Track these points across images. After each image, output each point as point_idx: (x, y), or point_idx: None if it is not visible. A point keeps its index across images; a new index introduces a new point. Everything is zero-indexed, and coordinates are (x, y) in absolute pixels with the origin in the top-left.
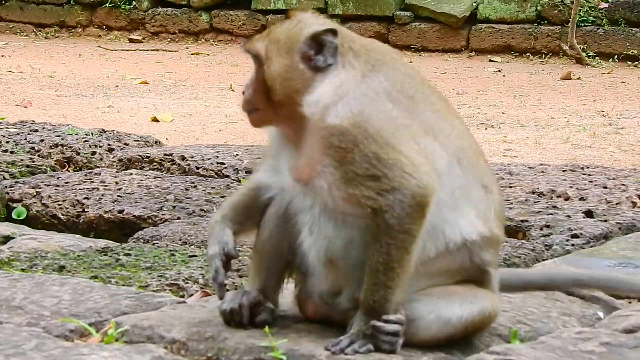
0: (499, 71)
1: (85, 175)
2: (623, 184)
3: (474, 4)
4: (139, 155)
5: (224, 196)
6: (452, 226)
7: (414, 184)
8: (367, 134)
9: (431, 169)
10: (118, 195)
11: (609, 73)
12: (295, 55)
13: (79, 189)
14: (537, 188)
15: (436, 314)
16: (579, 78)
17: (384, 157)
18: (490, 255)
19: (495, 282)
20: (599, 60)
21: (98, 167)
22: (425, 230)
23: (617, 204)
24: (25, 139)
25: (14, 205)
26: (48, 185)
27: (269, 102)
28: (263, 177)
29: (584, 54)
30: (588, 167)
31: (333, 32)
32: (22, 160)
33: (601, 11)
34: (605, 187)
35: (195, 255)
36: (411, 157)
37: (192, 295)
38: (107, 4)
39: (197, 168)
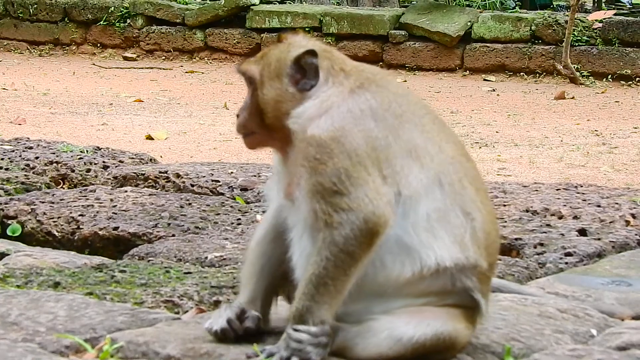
0: (493, 90)
1: (80, 192)
2: (616, 203)
3: (469, 24)
4: (134, 173)
5: (218, 214)
6: (427, 249)
7: (370, 210)
8: (344, 148)
9: (391, 201)
10: (113, 213)
11: (602, 92)
12: (284, 79)
13: (74, 206)
14: (531, 206)
15: (388, 333)
16: (572, 97)
17: (354, 175)
18: (472, 282)
19: (482, 315)
20: (593, 80)
21: (93, 184)
22: (402, 247)
23: (610, 222)
24: (20, 156)
25: (9, 222)
26: (43, 202)
27: (263, 125)
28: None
29: (577, 73)
30: (582, 186)
31: (312, 52)
32: (16, 177)
33: (595, 31)
34: (599, 206)
35: (190, 272)
36: (377, 183)
37: (187, 312)
38: (101, 22)
39: (192, 185)
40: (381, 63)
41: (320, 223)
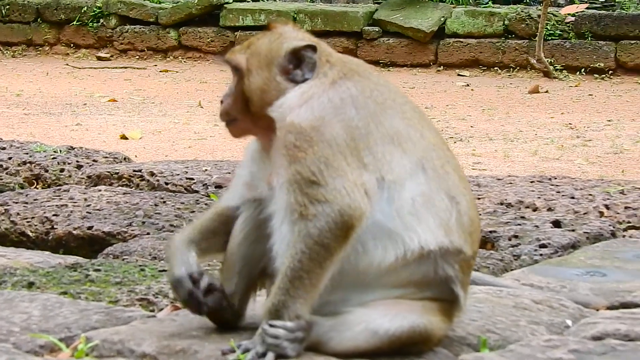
0: (467, 85)
1: (54, 192)
2: (590, 194)
3: (442, 19)
4: (108, 172)
5: (193, 211)
6: (410, 232)
7: (346, 202)
8: (324, 137)
9: (369, 191)
10: (87, 212)
11: (576, 86)
12: (274, 69)
13: (48, 206)
14: (506, 199)
15: (365, 325)
16: (546, 91)
17: (334, 165)
18: (454, 270)
19: (461, 309)
20: (567, 74)
21: (67, 184)
22: (385, 232)
23: (584, 214)
24: None
25: None
26: (16, 203)
27: (247, 113)
28: (231, 199)
29: (551, 67)
30: (556, 178)
31: (313, 48)
32: None
33: (568, 25)
34: (573, 198)
35: (165, 270)
36: (355, 174)
37: (162, 309)
38: (74, 22)
39: (166, 184)
40: (354, 58)
41: (296, 215)
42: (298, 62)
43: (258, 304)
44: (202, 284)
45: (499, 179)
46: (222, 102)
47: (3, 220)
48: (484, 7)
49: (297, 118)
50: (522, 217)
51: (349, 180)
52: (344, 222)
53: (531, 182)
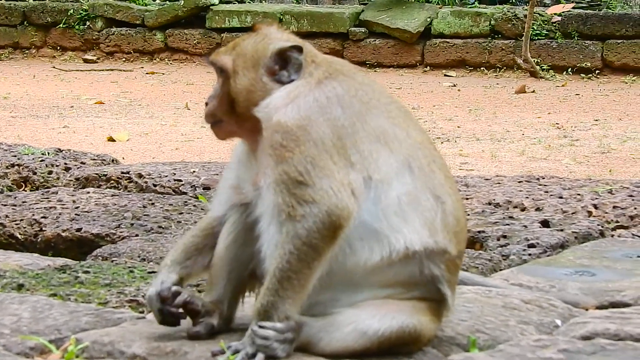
0: (454, 85)
1: (42, 194)
2: (578, 194)
3: (428, 19)
4: (96, 174)
5: (181, 213)
6: (396, 232)
7: (333, 202)
8: (310, 137)
9: (356, 190)
10: (76, 214)
11: (563, 86)
12: (260, 69)
13: (37, 208)
14: (494, 199)
15: (354, 326)
16: (533, 91)
17: (320, 164)
18: (439, 270)
19: (448, 308)
20: (553, 73)
21: (55, 186)
22: (371, 232)
23: (572, 213)
24: None
25: None
26: (5, 205)
27: (233, 114)
28: (217, 209)
29: (538, 67)
30: (544, 178)
31: (298, 49)
32: None
33: (554, 24)
34: (561, 197)
35: (155, 272)
36: (342, 174)
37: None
38: (61, 25)
39: (155, 185)
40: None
41: (283, 215)
42: (284, 63)
43: (247, 306)
44: (177, 300)
45: (486, 179)
46: (207, 103)
47: None
48: (470, 7)
49: (283, 117)
50: (511, 217)
51: (336, 180)
52: (332, 222)
53: (519, 182)
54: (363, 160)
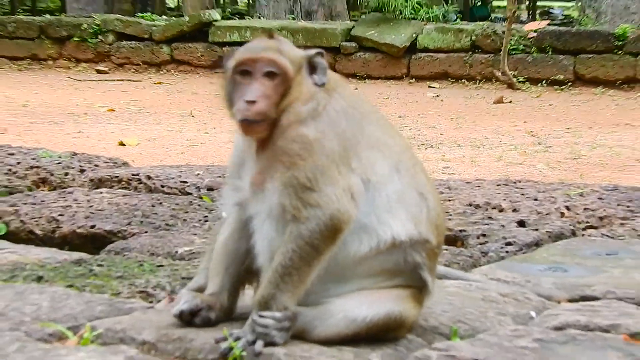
0: (437, 96)
1: (59, 194)
2: (552, 197)
3: (414, 35)
4: (109, 176)
5: (187, 212)
6: (384, 225)
7: (335, 207)
8: (323, 149)
9: (356, 194)
10: (90, 212)
11: (537, 97)
12: (303, 73)
13: (54, 207)
14: (474, 201)
15: (344, 314)
16: (510, 102)
17: (328, 173)
18: (421, 257)
19: (429, 293)
20: (529, 85)
21: (71, 186)
22: (361, 226)
23: (546, 214)
24: (3, 161)
25: None
26: (25, 204)
27: (273, 115)
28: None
29: (514, 79)
30: (520, 182)
31: (322, 54)
32: (0, 181)
33: (530, 40)
34: (536, 199)
35: (162, 265)
36: (344, 182)
37: (160, 301)
38: (75, 38)
39: (162, 186)
40: (334, 73)
41: (288, 216)
42: (313, 68)
43: (247, 297)
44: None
45: (467, 182)
46: (252, 102)
47: (13, 219)
48: (453, 24)
49: (307, 130)
50: (490, 218)
51: (340, 188)
52: (334, 225)
53: (497, 185)
54: (363, 165)
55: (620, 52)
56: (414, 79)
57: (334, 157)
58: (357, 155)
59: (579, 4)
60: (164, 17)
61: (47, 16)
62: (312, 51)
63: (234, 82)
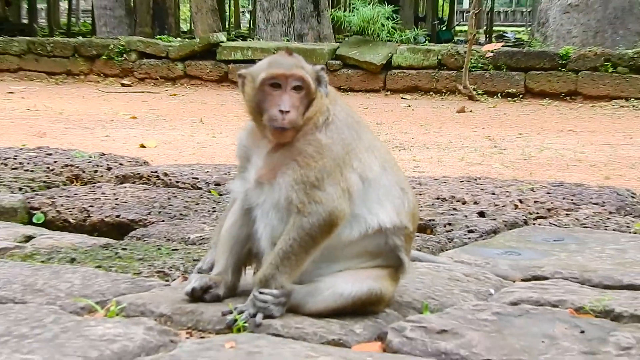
0: (409, 106)
1: (89, 188)
2: (507, 191)
3: (389, 54)
4: (132, 173)
5: (198, 204)
6: (373, 215)
7: (334, 205)
8: (332, 154)
9: (353, 193)
10: (115, 204)
11: (494, 107)
12: (317, 86)
13: (85, 199)
14: (441, 195)
15: (332, 290)
16: (471, 111)
17: (332, 174)
18: (400, 241)
19: (405, 271)
20: (486, 97)
21: (99, 182)
22: (354, 216)
23: (503, 206)
24: (42, 161)
25: (34, 212)
26: (60, 197)
27: (301, 122)
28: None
29: (474, 92)
30: (480, 179)
31: (324, 69)
32: (40, 177)
33: (488, 59)
34: (494, 194)
35: (177, 249)
36: (343, 183)
37: (175, 279)
38: (103, 57)
39: (177, 182)
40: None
41: (294, 209)
42: (319, 81)
43: (248, 276)
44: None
45: (435, 179)
46: (286, 111)
47: (50, 210)
48: (422, 45)
49: (323, 136)
50: (454, 209)
51: (340, 189)
52: (331, 220)
53: (461, 181)
54: (362, 165)
55: (563, 69)
56: (389, 92)
57: (339, 161)
58: (357, 157)
59: (529, 28)
60: (178, 39)
61: (80, 38)
62: (318, 67)
63: (264, 92)
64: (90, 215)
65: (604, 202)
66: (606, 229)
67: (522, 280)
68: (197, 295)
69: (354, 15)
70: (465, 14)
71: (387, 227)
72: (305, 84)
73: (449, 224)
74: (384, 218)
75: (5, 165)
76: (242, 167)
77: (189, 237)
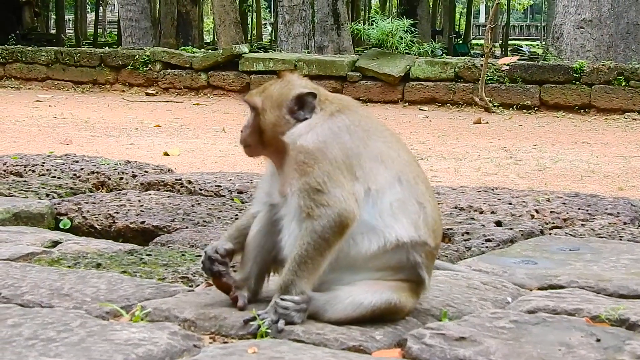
0: (427, 117)
1: (115, 195)
2: (524, 201)
3: (408, 67)
4: (156, 180)
5: (221, 211)
6: (389, 228)
7: (343, 207)
8: (326, 156)
9: (359, 198)
10: (140, 210)
11: (509, 119)
12: (283, 109)
13: (111, 205)
14: (459, 204)
15: (352, 299)
16: (487, 122)
17: (334, 177)
18: (421, 258)
19: (426, 289)
20: (502, 109)
21: (125, 189)
22: (370, 228)
23: (519, 216)
24: (69, 167)
25: (61, 218)
26: (87, 203)
27: (261, 141)
28: (255, 208)
29: (490, 104)
30: (497, 189)
31: (313, 95)
32: (66, 183)
33: (503, 72)
34: (510, 204)
35: (200, 256)
36: (349, 185)
37: (198, 285)
38: (129, 66)
39: (200, 190)
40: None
41: (304, 215)
42: (301, 105)
43: (271, 284)
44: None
45: (453, 189)
46: (242, 131)
47: (77, 216)
48: (440, 58)
49: (305, 142)
50: (472, 218)
51: (346, 190)
52: (341, 222)
53: (478, 191)
54: (365, 175)
55: (577, 82)
56: (407, 103)
57: (337, 164)
58: (359, 165)
59: (544, 43)
60: (202, 50)
61: (106, 48)
62: (305, 90)
63: None
64: (116, 221)
65: (618, 212)
66: (621, 239)
67: (539, 288)
68: (208, 267)
69: (373, 29)
70: (481, 28)
71: (405, 241)
72: (251, 106)
73: (467, 233)
74: (401, 232)
75: (33, 171)
76: (267, 180)
77: None
